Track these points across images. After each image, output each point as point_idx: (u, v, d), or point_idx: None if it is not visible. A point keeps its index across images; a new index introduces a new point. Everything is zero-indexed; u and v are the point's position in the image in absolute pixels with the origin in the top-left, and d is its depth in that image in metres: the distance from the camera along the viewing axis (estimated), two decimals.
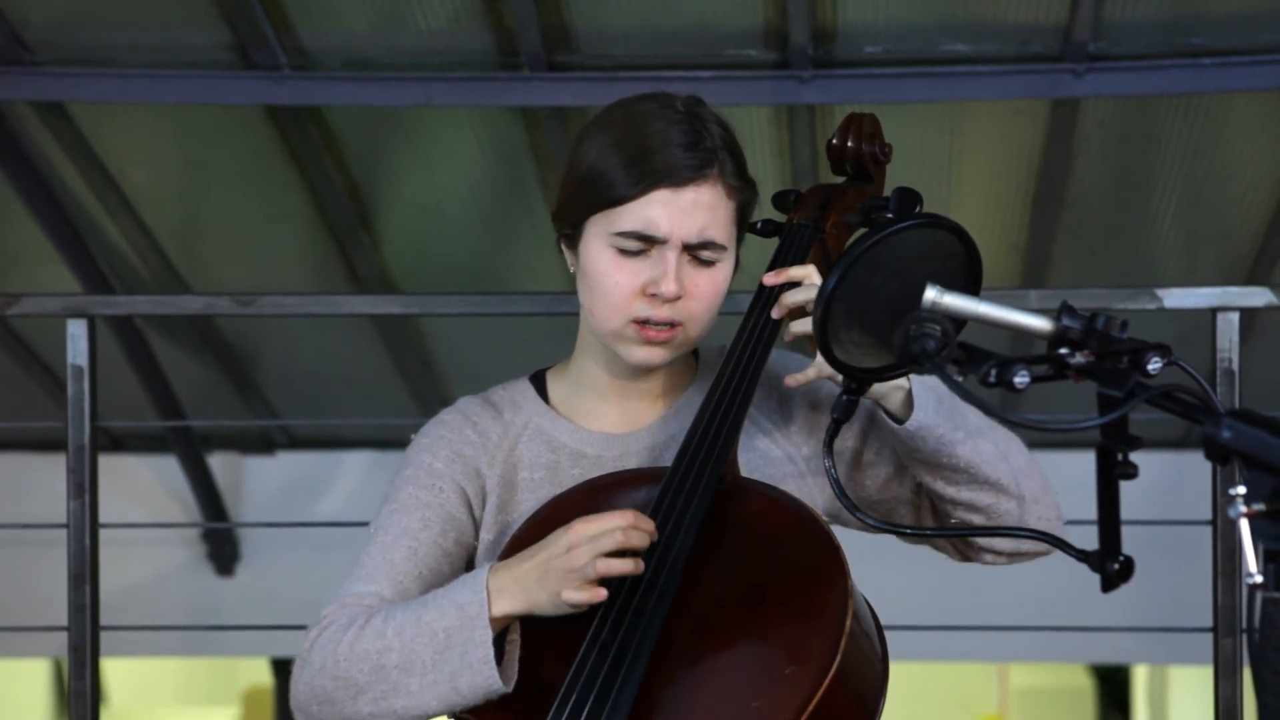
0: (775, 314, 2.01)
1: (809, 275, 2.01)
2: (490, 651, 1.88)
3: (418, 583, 1.99)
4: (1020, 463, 2.04)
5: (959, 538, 2.07)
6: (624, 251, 1.98)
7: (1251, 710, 2.96)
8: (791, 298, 1.99)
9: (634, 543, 1.87)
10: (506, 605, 1.90)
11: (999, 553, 2.08)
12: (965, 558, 2.10)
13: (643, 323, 1.99)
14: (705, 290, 1.99)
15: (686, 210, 1.97)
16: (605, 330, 2.01)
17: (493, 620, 1.89)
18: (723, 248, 2.00)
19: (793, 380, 2.02)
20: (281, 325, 5.66)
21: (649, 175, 1.96)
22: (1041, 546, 2.06)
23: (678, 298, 1.98)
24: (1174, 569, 4.73)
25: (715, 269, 2.00)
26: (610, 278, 1.99)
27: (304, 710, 1.94)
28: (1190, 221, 5.13)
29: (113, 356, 5.29)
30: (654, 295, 1.97)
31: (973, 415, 2.02)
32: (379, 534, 2.02)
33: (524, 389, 2.12)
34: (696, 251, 1.98)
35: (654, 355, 2.01)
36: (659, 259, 1.98)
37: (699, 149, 1.97)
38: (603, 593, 1.87)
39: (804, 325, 1.97)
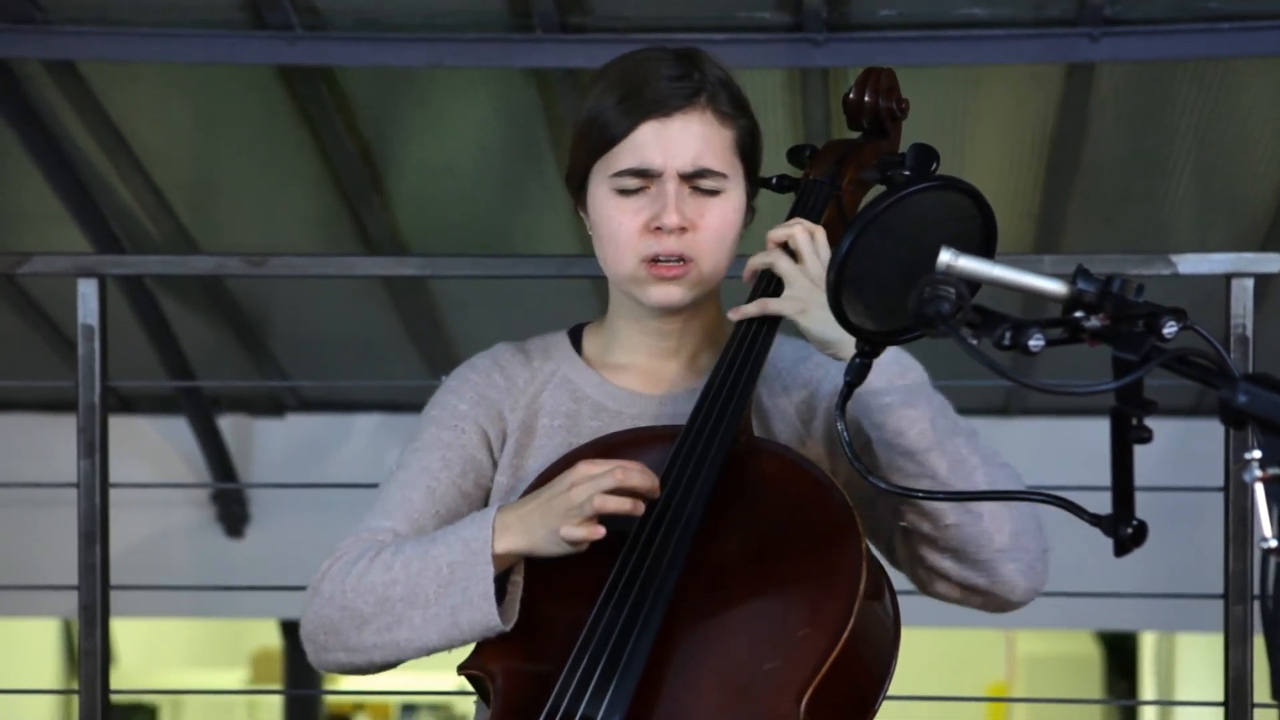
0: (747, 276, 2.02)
1: (811, 231, 1.99)
2: (490, 588, 1.89)
3: (434, 521, 2.01)
4: (992, 480, 1.94)
5: (916, 559, 1.97)
6: (624, 192, 1.99)
7: (1261, 677, 2.96)
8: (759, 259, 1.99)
9: (634, 482, 1.87)
10: (509, 543, 1.91)
11: (951, 582, 1.97)
12: (920, 582, 2.01)
13: (653, 261, 1.98)
14: (711, 222, 1.99)
15: (676, 139, 1.97)
16: (619, 275, 2.01)
17: (496, 557, 1.90)
18: (722, 175, 1.99)
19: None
20: (292, 287, 5.66)
21: (636, 109, 1.97)
22: (999, 588, 1.96)
23: (681, 229, 1.97)
24: (1181, 537, 4.73)
25: (720, 200, 1.99)
26: (614, 220, 1.99)
27: (312, 639, 1.97)
28: (1205, 187, 5.10)
29: (123, 317, 5.29)
30: (659, 229, 1.97)
31: (948, 424, 1.95)
32: (399, 471, 2.04)
33: (559, 339, 2.13)
34: (695, 181, 1.98)
35: (670, 294, 2.00)
36: (658, 193, 1.98)
37: (687, 80, 1.98)
38: (600, 530, 1.87)
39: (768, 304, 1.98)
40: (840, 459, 2.03)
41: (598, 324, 2.13)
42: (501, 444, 2.07)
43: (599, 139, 1.99)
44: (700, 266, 2.00)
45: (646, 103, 1.97)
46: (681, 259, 1.99)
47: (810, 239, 1.99)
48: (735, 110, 2.01)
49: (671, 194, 1.97)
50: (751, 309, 2.00)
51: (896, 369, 1.95)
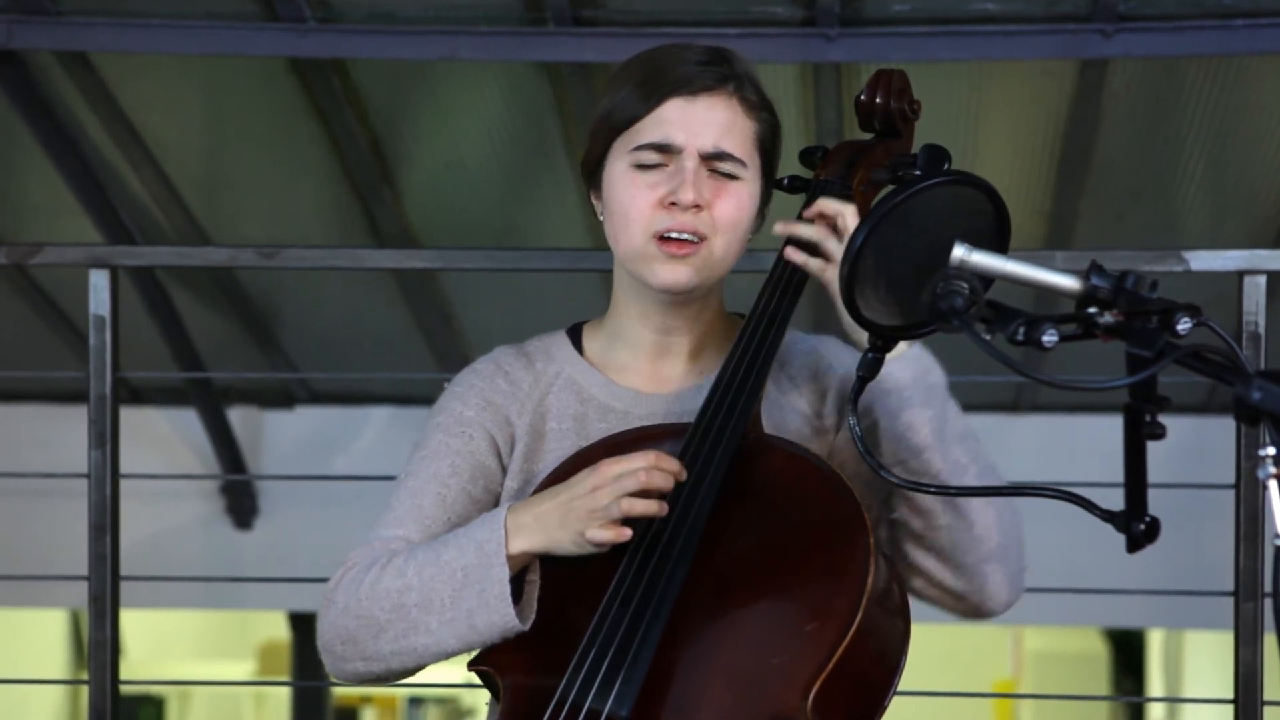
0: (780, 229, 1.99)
1: (841, 213, 1.98)
2: (507, 589, 1.89)
3: (445, 528, 2.00)
4: (997, 505, 1.95)
5: (900, 554, 1.97)
6: (642, 166, 1.98)
7: (1272, 675, 2.96)
8: (820, 238, 1.97)
9: (657, 484, 1.87)
10: (525, 543, 1.90)
11: (931, 581, 1.98)
12: (914, 591, 2.01)
13: (664, 238, 1.98)
14: (727, 205, 1.98)
15: (701, 119, 1.97)
16: (629, 251, 2.00)
17: (510, 558, 1.90)
18: (742, 163, 1.99)
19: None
20: (302, 279, 5.66)
21: (661, 87, 1.97)
22: (975, 595, 1.97)
23: (697, 206, 1.97)
24: (1189, 533, 4.73)
25: (737, 186, 1.99)
26: (628, 193, 1.98)
27: (329, 650, 1.96)
28: (1218, 184, 5.10)
29: (134, 309, 5.30)
30: (674, 204, 1.97)
31: (956, 431, 1.96)
32: (408, 480, 2.03)
33: (559, 340, 2.11)
34: (714, 163, 1.98)
35: (679, 274, 1.99)
36: (677, 169, 1.97)
37: (715, 66, 1.99)
38: (627, 532, 1.87)
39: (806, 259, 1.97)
40: (848, 448, 2.03)
41: (598, 323, 2.12)
42: (510, 449, 2.06)
43: (621, 117, 1.99)
44: (712, 247, 1.99)
45: (673, 80, 1.97)
46: (695, 235, 1.98)
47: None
48: (761, 103, 2.01)
49: (690, 171, 1.97)
50: (797, 257, 1.97)
51: (920, 367, 1.95)
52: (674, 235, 1.97)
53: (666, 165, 1.98)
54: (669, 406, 2.05)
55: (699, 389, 2.04)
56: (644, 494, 1.88)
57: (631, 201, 1.98)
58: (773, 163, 2.05)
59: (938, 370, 1.98)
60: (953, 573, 1.97)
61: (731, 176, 1.99)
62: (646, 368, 2.07)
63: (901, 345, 1.95)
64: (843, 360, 2.06)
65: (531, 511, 1.91)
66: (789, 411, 2.05)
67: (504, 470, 2.06)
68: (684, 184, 1.96)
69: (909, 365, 1.94)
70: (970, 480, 1.96)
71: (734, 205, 1.99)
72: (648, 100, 1.97)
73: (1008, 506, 1.98)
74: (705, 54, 1.99)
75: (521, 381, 2.08)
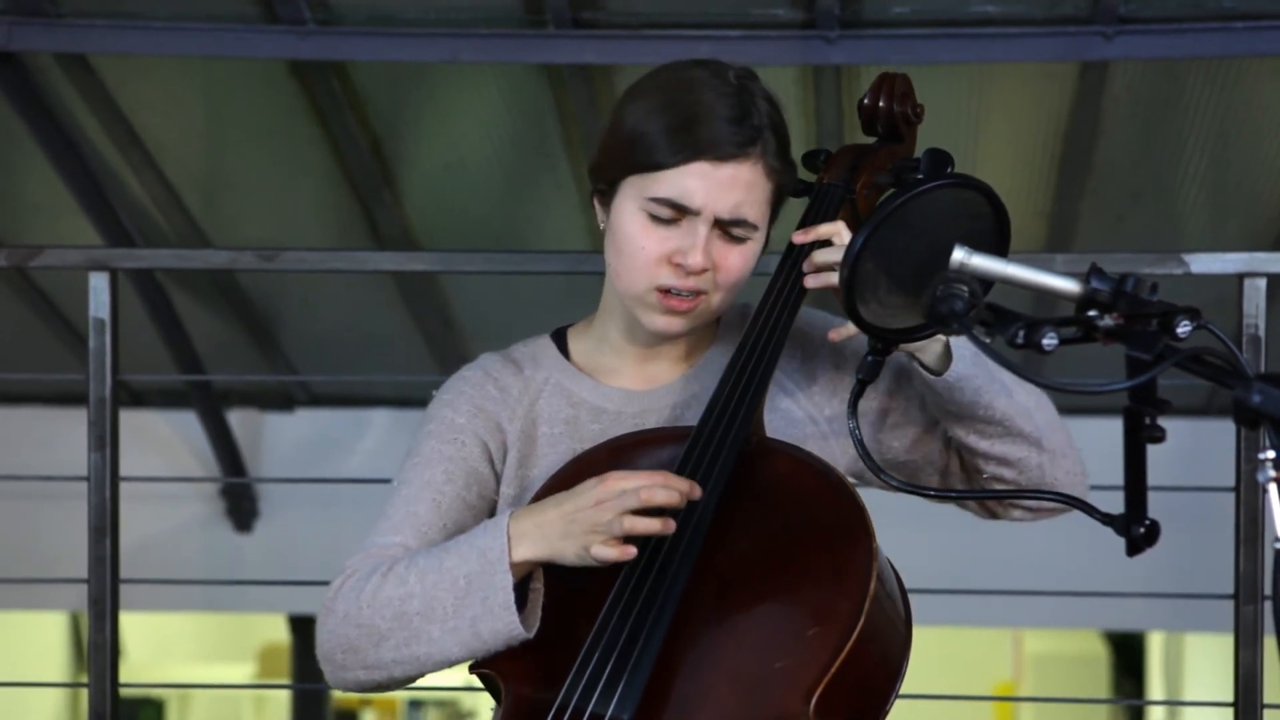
0: (807, 269, 2.00)
1: (838, 232, 1.99)
2: (511, 596, 1.88)
3: (441, 534, 1.99)
4: (1050, 416, 2.05)
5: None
6: (655, 218, 1.97)
7: (1272, 677, 2.96)
8: (821, 256, 1.98)
9: (660, 500, 1.86)
10: (528, 551, 1.90)
11: (1027, 509, 2.08)
12: (993, 515, 2.11)
13: (665, 291, 1.98)
14: (732, 265, 1.99)
15: (724, 185, 1.96)
16: (628, 293, 2.00)
17: (513, 565, 1.89)
18: (754, 227, 1.99)
19: (837, 334, 2.00)
20: (302, 281, 5.66)
21: (690, 145, 1.95)
22: (1074, 502, 2.06)
23: (704, 270, 1.97)
24: (1190, 536, 4.72)
25: (744, 246, 1.99)
26: (637, 241, 1.98)
27: (329, 659, 1.95)
28: (1218, 186, 5.10)
29: (133, 311, 5.30)
30: (679, 265, 1.97)
31: (1003, 370, 2.01)
32: (402, 487, 2.02)
33: (545, 345, 2.11)
34: (728, 228, 1.97)
35: (673, 325, 2.00)
36: (689, 230, 1.97)
37: (745, 125, 1.96)
38: (632, 550, 1.86)
39: (828, 279, 1.97)
40: (893, 433, 2.07)
41: (584, 326, 2.12)
42: (503, 456, 2.06)
43: (642, 159, 1.97)
44: (710, 302, 2.00)
45: (701, 141, 1.95)
46: (695, 293, 1.98)
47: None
48: (781, 163, 2.00)
49: (702, 236, 1.96)
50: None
51: (967, 352, 1.98)
52: (675, 292, 1.98)
53: (679, 221, 1.97)
54: (660, 401, 2.06)
55: (687, 379, 2.06)
56: (649, 512, 1.87)
57: (640, 249, 1.98)
58: (782, 204, 2.05)
59: (968, 345, 2.00)
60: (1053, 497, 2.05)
61: (741, 239, 1.99)
62: (634, 369, 2.08)
63: (932, 350, 1.96)
64: (813, 323, 2.08)
65: (533, 520, 1.91)
66: (780, 406, 2.06)
67: (497, 477, 2.05)
68: (694, 247, 1.96)
69: (960, 355, 1.97)
70: (1039, 415, 2.02)
71: (740, 264, 1.99)
72: (674, 154, 1.95)
73: (1053, 413, 2.05)
74: (736, 105, 1.96)
75: (511, 388, 2.08)
